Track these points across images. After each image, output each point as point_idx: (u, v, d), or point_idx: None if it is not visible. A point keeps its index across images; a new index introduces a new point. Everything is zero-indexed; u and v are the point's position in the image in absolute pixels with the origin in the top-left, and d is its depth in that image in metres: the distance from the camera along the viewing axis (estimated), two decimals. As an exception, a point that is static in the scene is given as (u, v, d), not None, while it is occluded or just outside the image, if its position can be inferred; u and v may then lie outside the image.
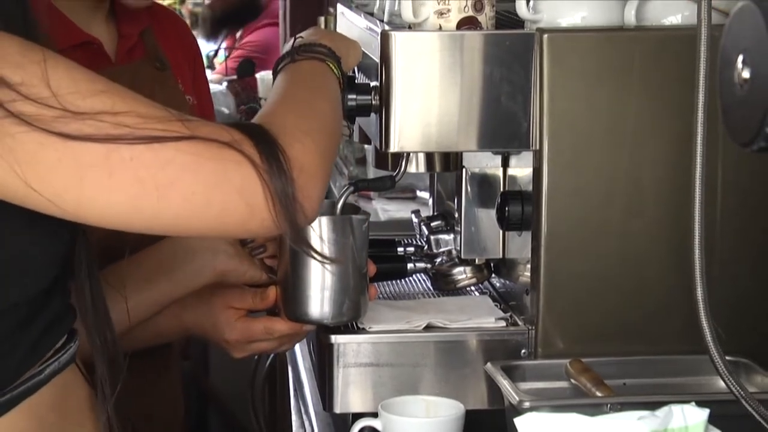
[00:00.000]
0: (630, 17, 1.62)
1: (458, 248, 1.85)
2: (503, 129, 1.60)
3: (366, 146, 2.78)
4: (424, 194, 2.51)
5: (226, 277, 1.66)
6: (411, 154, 1.72)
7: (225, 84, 3.78)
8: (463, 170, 1.80)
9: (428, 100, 1.59)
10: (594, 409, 1.23)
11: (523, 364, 1.58)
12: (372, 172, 2.80)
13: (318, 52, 1.49)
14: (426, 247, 1.94)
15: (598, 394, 1.47)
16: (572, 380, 1.53)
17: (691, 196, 1.29)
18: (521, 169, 1.71)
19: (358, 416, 1.62)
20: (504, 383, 1.50)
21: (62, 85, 1.13)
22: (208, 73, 3.94)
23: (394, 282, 1.94)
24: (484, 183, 1.80)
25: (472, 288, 1.86)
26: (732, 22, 0.93)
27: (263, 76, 3.66)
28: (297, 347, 2.04)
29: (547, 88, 1.57)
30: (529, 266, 1.64)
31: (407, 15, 1.62)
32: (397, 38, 1.58)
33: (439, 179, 2.09)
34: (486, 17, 1.61)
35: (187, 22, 3.45)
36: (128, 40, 1.82)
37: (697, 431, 1.10)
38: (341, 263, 1.59)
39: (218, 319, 1.65)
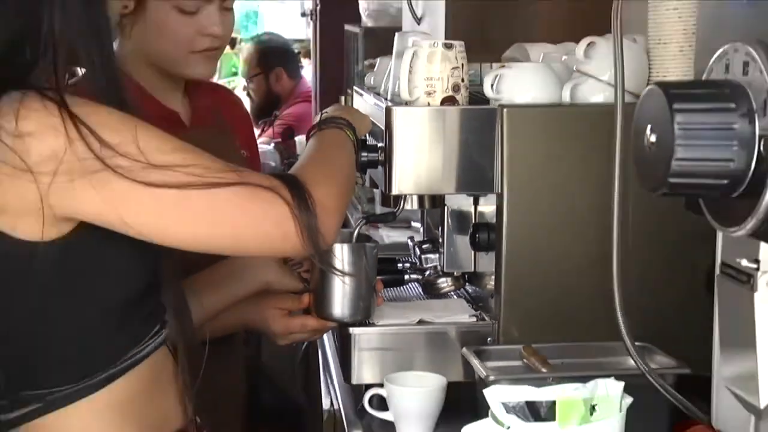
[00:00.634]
0: (566, 97, 1.62)
1: (442, 264, 1.84)
2: (474, 177, 1.60)
3: (374, 189, 2.78)
4: (417, 224, 2.50)
5: (273, 286, 1.65)
6: (407, 196, 1.72)
7: (272, 144, 3.77)
8: (445, 207, 1.79)
9: (419, 156, 1.59)
10: (540, 381, 1.22)
11: (489, 348, 1.57)
12: (379, 209, 2.80)
13: (338, 123, 1.50)
14: (418, 263, 1.93)
15: (543, 370, 1.46)
16: (524, 360, 1.52)
17: (610, 226, 1.29)
18: (488, 206, 1.70)
19: (369, 386, 1.62)
20: (475, 363, 1.49)
21: (148, 146, 1.13)
22: (260, 136, 3.98)
23: (394, 288, 1.92)
24: (460, 217, 1.79)
25: (452, 293, 1.85)
26: (642, 101, 0.93)
27: (300, 139, 3.66)
28: (324, 337, 2.03)
29: (507, 148, 1.57)
30: (493, 277, 1.63)
31: (404, 95, 1.62)
32: (397, 112, 1.58)
33: (428, 214, 2.09)
34: (462, 96, 1.61)
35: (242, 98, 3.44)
36: (199, 112, 1.81)
37: (615, 399, 1.10)
38: (356, 278, 1.58)
39: (267, 316, 1.65)
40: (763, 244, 0.90)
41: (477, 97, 1.67)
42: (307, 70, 4.65)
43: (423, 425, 1.54)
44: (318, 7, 3.97)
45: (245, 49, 4.49)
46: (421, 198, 1.76)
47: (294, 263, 1.67)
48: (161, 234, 1.18)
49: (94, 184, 1.11)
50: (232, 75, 7.33)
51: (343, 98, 2.33)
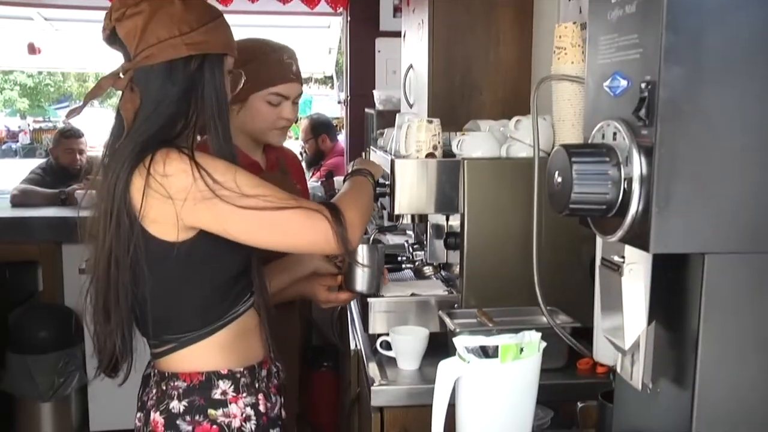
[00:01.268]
0: (504, 153, 1.62)
1: (426, 257, 1.84)
2: (446, 203, 1.60)
3: (384, 210, 2.77)
4: (410, 232, 2.50)
5: (319, 271, 1.64)
6: (404, 214, 1.70)
7: (319, 182, 3.76)
8: (428, 222, 1.79)
9: (412, 191, 1.59)
10: (489, 332, 1.22)
11: (456, 311, 1.57)
12: (386, 223, 2.79)
13: (363, 173, 1.48)
14: (411, 257, 1.93)
15: (490, 325, 1.47)
16: (479, 319, 1.52)
17: (532, 234, 1.29)
18: (455, 221, 1.70)
19: (380, 335, 1.61)
20: (447, 320, 1.50)
21: (241, 182, 1.13)
22: (311, 178, 3.98)
23: (395, 273, 1.92)
24: (438, 227, 1.78)
25: (433, 276, 1.84)
26: (552, 156, 0.92)
27: (338, 179, 3.66)
28: (351, 303, 2.02)
29: (467, 185, 1.57)
30: (458, 266, 1.63)
31: (402, 152, 1.63)
32: (397, 163, 1.59)
33: (417, 226, 2.08)
34: (438, 153, 1.62)
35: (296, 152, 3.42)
36: (270, 162, 1.81)
37: (535, 343, 1.09)
38: (371, 267, 1.59)
39: (315, 290, 1.64)
40: (627, 246, 0.90)
41: (448, 153, 1.67)
42: (342, 136, 4.65)
43: (414, 360, 1.54)
44: (349, 99, 4.08)
45: (302, 122, 4.47)
46: (413, 216, 1.74)
47: (332, 257, 1.67)
48: (249, 239, 1.18)
49: (209, 207, 1.12)
50: (295, 139, 7.39)
51: (364, 153, 2.32)
